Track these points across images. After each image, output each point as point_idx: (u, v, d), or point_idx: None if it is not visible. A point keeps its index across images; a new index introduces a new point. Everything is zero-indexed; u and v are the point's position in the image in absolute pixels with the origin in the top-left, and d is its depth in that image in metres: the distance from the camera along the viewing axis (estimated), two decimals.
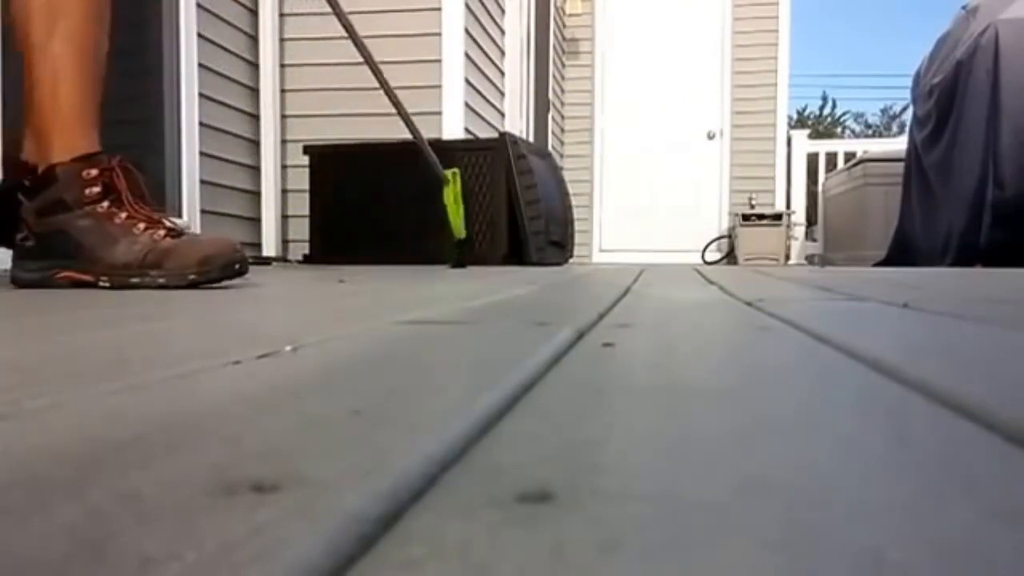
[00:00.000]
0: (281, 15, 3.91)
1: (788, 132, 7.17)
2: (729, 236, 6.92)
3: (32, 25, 1.41)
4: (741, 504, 0.23)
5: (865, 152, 6.62)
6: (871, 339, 0.70)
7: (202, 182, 3.41)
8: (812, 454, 0.29)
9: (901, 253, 5.07)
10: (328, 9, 2.50)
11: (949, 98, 4.63)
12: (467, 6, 3.91)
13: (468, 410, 0.35)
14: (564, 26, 6.94)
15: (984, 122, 4.28)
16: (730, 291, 1.34)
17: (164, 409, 0.36)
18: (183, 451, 0.28)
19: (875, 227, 5.84)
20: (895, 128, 23.00)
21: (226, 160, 3.63)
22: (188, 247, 1.39)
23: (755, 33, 6.84)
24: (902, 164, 5.33)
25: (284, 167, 3.94)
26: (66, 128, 1.42)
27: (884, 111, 26.37)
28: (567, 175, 4.82)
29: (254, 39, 3.83)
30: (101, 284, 1.39)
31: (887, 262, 5.00)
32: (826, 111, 24.92)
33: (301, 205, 3.69)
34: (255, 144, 3.86)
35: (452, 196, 2.84)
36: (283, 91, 3.93)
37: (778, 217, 6.58)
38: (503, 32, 4.77)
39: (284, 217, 3.97)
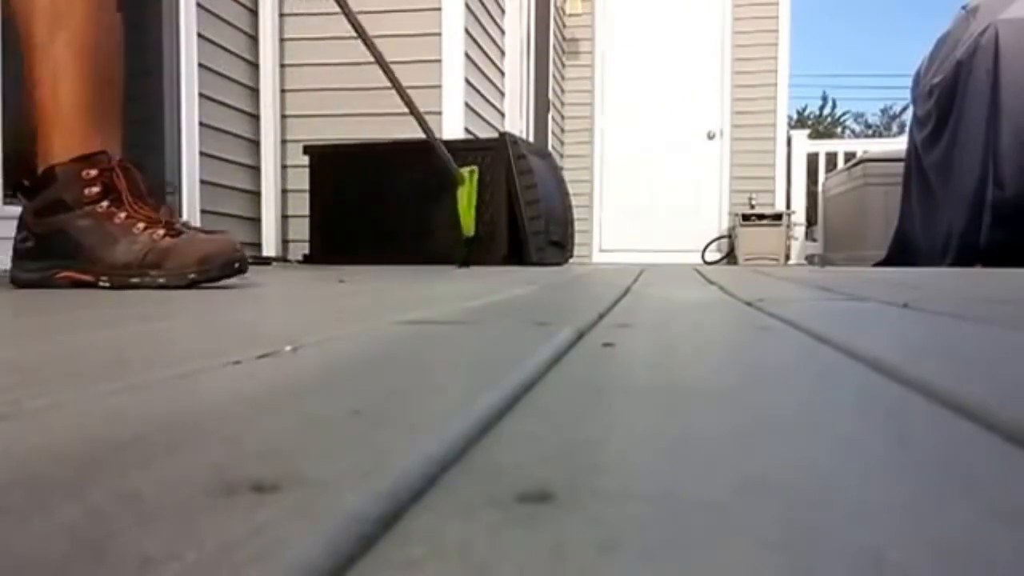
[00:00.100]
0: (281, 15, 3.91)
1: (788, 132, 7.17)
2: (729, 236, 6.92)
3: (35, 26, 1.41)
4: (741, 504, 0.23)
5: (865, 152, 6.62)
6: (871, 339, 0.70)
7: (202, 182, 3.41)
8: (812, 454, 0.29)
9: (901, 253, 5.07)
10: (328, 9, 2.50)
11: (949, 98, 4.63)
12: (467, 6, 3.91)
13: (468, 410, 0.35)
14: (564, 26, 6.94)
15: (984, 122, 4.28)
16: (730, 291, 1.34)
17: (164, 409, 0.36)
18: (183, 451, 0.28)
19: (875, 227, 5.85)
20: (895, 128, 23.01)
21: (226, 160, 3.64)
22: (187, 246, 1.39)
23: (755, 33, 6.84)
24: (902, 164, 5.33)
25: (284, 167, 3.95)
26: (66, 128, 1.43)
27: (884, 111, 26.40)
28: (567, 175, 4.82)
29: (254, 39, 3.83)
30: (101, 284, 1.39)
31: (887, 262, 5.01)
32: (826, 111, 24.94)
33: (301, 205, 3.69)
34: (255, 144, 3.86)
35: (466, 195, 2.85)
36: (283, 91, 3.93)
37: (778, 217, 6.58)
38: (503, 32, 4.77)
39: (284, 217, 3.97)
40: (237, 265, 1.41)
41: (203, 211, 3.40)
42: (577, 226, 4.33)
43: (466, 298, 1.17)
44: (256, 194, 3.88)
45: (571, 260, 4.09)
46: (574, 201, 4.28)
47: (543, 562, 0.19)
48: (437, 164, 2.87)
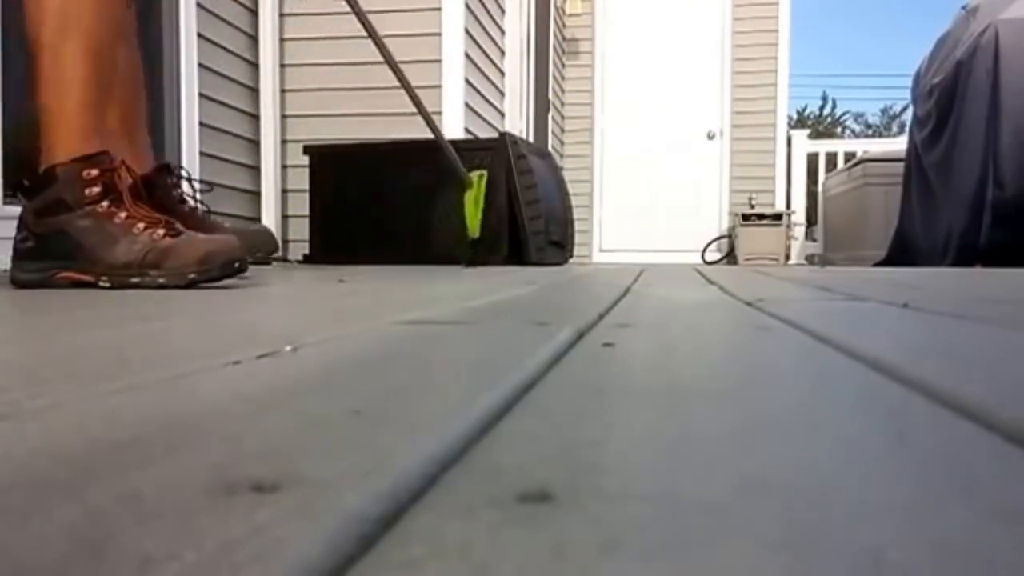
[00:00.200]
0: (281, 15, 3.91)
1: (788, 132, 7.17)
2: (729, 236, 6.92)
3: (45, 27, 1.41)
4: (741, 504, 0.23)
5: (865, 152, 6.62)
6: (871, 339, 0.70)
7: (202, 182, 3.41)
8: (812, 454, 0.29)
9: (901, 253, 5.07)
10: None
11: (949, 98, 4.63)
12: (467, 6, 3.91)
13: (468, 410, 0.35)
14: (564, 26, 6.94)
15: (984, 122, 4.28)
16: (730, 291, 1.34)
17: (164, 409, 0.36)
18: (183, 451, 0.28)
19: (875, 227, 5.84)
20: (895, 128, 23.01)
21: (226, 160, 3.63)
22: (187, 246, 1.39)
23: (755, 33, 6.84)
24: (902, 164, 5.33)
25: (284, 167, 3.94)
26: (70, 129, 1.43)
27: (884, 111, 26.40)
28: (567, 175, 4.82)
29: (254, 39, 3.83)
30: (101, 284, 1.39)
31: (887, 262, 5.00)
32: (826, 111, 24.94)
33: (301, 205, 3.69)
34: (255, 144, 3.86)
35: (473, 198, 2.88)
36: (283, 91, 3.93)
37: (778, 217, 6.57)
38: (503, 32, 4.77)
39: (284, 217, 3.97)
40: (237, 264, 1.41)
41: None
42: (577, 226, 4.33)
43: (466, 298, 1.17)
44: (256, 194, 3.88)
45: (571, 260, 4.09)
46: (574, 201, 4.28)
47: (543, 562, 0.19)
48: (444, 165, 2.88)
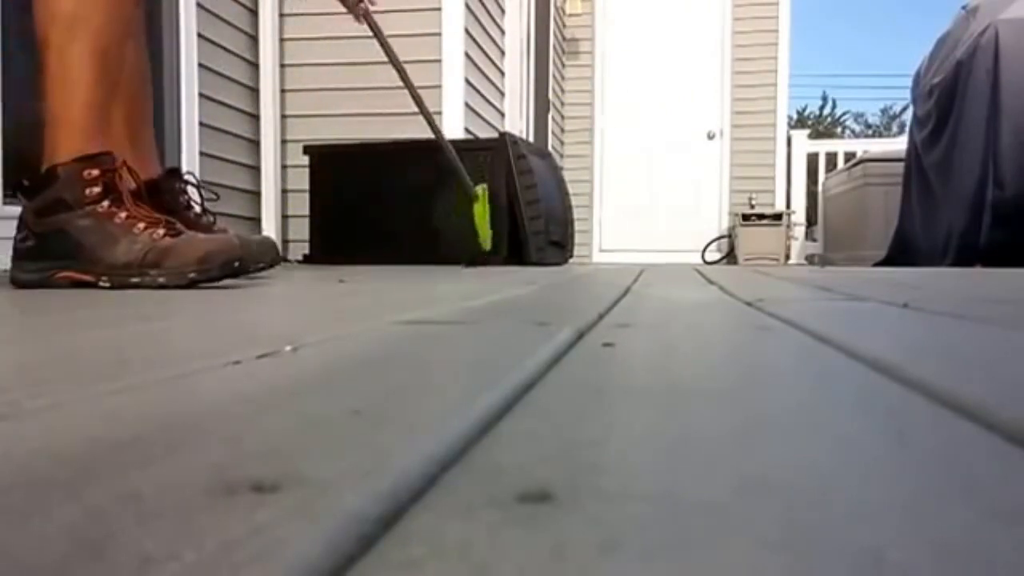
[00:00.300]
0: (281, 15, 3.91)
1: (788, 132, 7.17)
2: (729, 236, 6.92)
3: (54, 28, 1.41)
4: (741, 504, 0.23)
5: (865, 152, 6.61)
6: (871, 339, 0.70)
7: (202, 182, 3.41)
8: (812, 454, 0.29)
9: (901, 253, 5.07)
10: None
11: (949, 98, 4.63)
12: (467, 6, 3.91)
13: (468, 410, 0.35)
14: (564, 26, 6.94)
15: (984, 122, 4.28)
16: (730, 291, 1.34)
17: (164, 409, 0.36)
18: (183, 451, 0.28)
19: (875, 227, 5.84)
20: (895, 128, 23.02)
21: (226, 160, 3.63)
22: (187, 246, 1.39)
23: (755, 33, 6.84)
24: (902, 164, 5.33)
25: (284, 167, 3.94)
26: (74, 128, 1.43)
27: (884, 111, 26.40)
28: (567, 175, 4.82)
29: (254, 39, 3.83)
30: (101, 284, 1.39)
31: (887, 262, 5.00)
32: (826, 111, 24.94)
33: (301, 205, 3.69)
34: (255, 144, 3.86)
35: (480, 211, 2.91)
36: (283, 91, 3.93)
37: (778, 217, 6.57)
38: (503, 32, 4.77)
39: (284, 217, 3.97)
40: (237, 264, 1.41)
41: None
42: (577, 226, 4.33)
43: (466, 298, 1.17)
44: (256, 194, 3.88)
45: (571, 260, 4.09)
46: (574, 201, 4.28)
47: (543, 562, 0.19)
48: (445, 166, 2.91)
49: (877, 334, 0.75)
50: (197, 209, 1.83)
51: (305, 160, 3.56)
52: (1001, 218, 4.14)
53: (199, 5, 3.37)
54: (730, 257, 6.82)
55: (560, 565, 0.18)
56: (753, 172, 6.90)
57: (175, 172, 1.81)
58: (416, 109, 2.78)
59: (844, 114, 25.53)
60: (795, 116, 22.19)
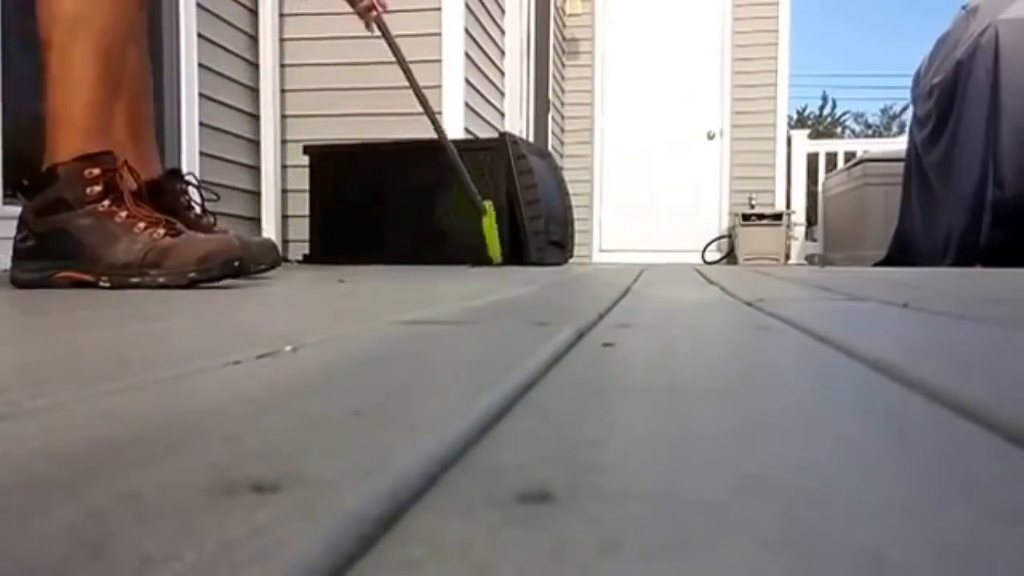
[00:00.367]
0: (281, 15, 3.91)
1: (788, 132, 7.17)
2: (729, 236, 6.92)
3: (56, 29, 1.42)
4: (741, 504, 0.23)
5: (865, 152, 6.61)
6: (871, 339, 0.70)
7: (202, 182, 3.41)
8: (812, 454, 0.29)
9: (901, 253, 5.07)
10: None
11: (949, 98, 4.63)
12: (467, 6, 3.91)
13: (468, 410, 0.35)
14: (564, 26, 6.94)
15: (984, 122, 4.28)
16: (730, 291, 1.34)
17: (164, 409, 0.36)
18: (183, 451, 0.28)
19: (875, 227, 5.84)
20: (895, 128, 23.02)
21: (226, 160, 3.63)
22: (187, 246, 1.39)
23: (755, 33, 6.84)
24: (902, 164, 5.33)
25: (284, 167, 3.94)
26: (75, 129, 1.43)
27: (884, 111, 26.41)
28: (567, 175, 4.82)
29: (254, 39, 3.83)
30: (101, 284, 1.39)
31: (887, 262, 5.00)
32: (826, 111, 24.95)
33: (301, 205, 3.69)
34: (255, 144, 3.86)
35: (489, 224, 2.98)
36: (283, 91, 3.93)
37: (778, 217, 6.57)
38: (503, 32, 4.77)
39: (284, 217, 3.97)
40: (237, 264, 1.41)
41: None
42: (577, 226, 4.33)
43: (466, 298, 1.17)
44: (256, 194, 3.88)
45: (571, 260, 4.09)
46: (574, 201, 4.28)
47: (543, 562, 0.19)
48: (450, 174, 2.96)
49: (877, 334, 0.75)
50: (197, 210, 1.83)
51: (305, 160, 3.56)
52: (1001, 218, 4.14)
53: (199, 5, 3.37)
54: (730, 257, 6.82)
55: (560, 565, 0.18)
56: (753, 172, 6.90)
57: (176, 173, 1.81)
58: (419, 110, 2.79)
59: (844, 114, 25.56)
60: (795, 116, 22.21)
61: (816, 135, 14.55)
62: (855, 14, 51.71)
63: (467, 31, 3.92)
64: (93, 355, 0.56)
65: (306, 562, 0.18)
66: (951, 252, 4.46)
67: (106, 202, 1.41)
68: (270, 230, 3.89)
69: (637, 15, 7.03)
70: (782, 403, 0.40)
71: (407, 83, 2.71)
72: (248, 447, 0.29)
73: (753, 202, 6.84)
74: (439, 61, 3.77)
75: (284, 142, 3.94)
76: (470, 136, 3.88)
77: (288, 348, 0.54)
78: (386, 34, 2.52)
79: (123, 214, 1.42)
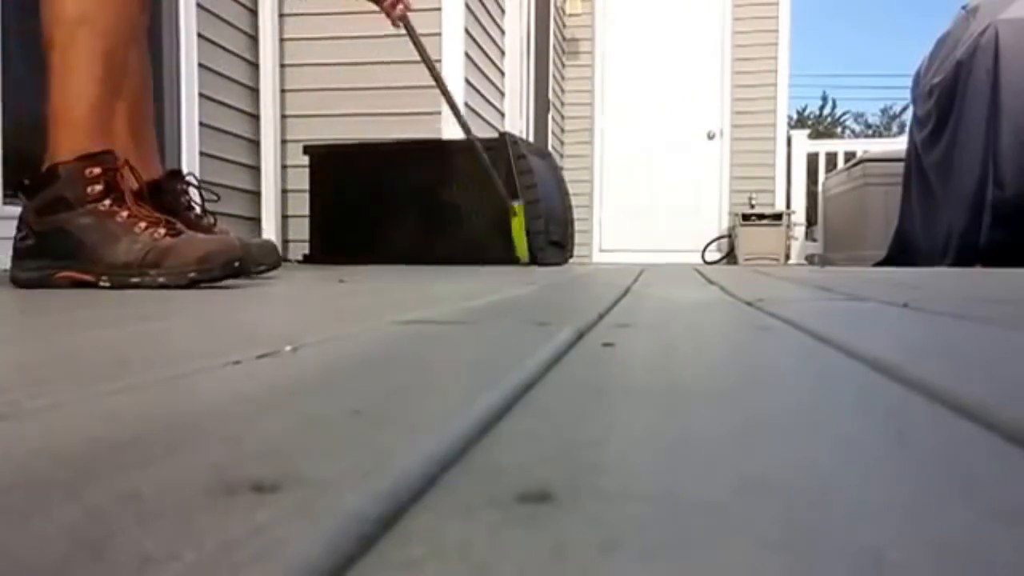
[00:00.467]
0: (281, 15, 3.91)
1: (788, 132, 7.17)
2: (729, 236, 6.92)
3: (59, 29, 1.42)
4: (741, 504, 0.23)
5: (865, 152, 6.61)
6: (871, 339, 0.70)
7: (202, 182, 3.41)
8: (812, 454, 0.29)
9: (901, 253, 5.07)
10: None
11: (949, 98, 4.62)
12: (467, 6, 3.91)
13: (468, 410, 0.35)
14: (564, 26, 6.94)
15: (984, 122, 4.28)
16: (730, 291, 1.34)
17: (164, 409, 0.36)
18: (183, 451, 0.28)
19: (875, 227, 5.84)
20: (895, 128, 23.03)
21: (226, 160, 3.63)
22: (188, 246, 1.39)
23: (755, 33, 6.84)
24: (902, 164, 5.33)
25: (284, 167, 3.94)
26: (76, 128, 1.43)
27: (884, 111, 26.41)
28: (567, 175, 4.82)
29: (254, 39, 3.83)
30: (101, 284, 1.39)
31: (887, 262, 5.00)
32: (826, 111, 24.95)
33: (301, 205, 3.69)
34: (255, 144, 3.86)
35: (518, 224, 3.03)
36: (283, 91, 3.93)
37: (778, 217, 6.57)
38: (503, 32, 4.77)
39: (284, 217, 3.97)
40: (237, 264, 1.41)
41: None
42: (577, 226, 4.33)
43: (466, 298, 1.17)
44: (256, 194, 3.88)
45: (571, 260, 4.09)
46: (574, 201, 4.28)
47: (543, 562, 0.19)
48: (491, 181, 3.00)
49: (877, 334, 0.75)
50: (198, 210, 1.84)
51: (305, 160, 3.56)
52: (1001, 218, 4.14)
53: (199, 5, 3.37)
54: (730, 257, 6.82)
55: (560, 565, 0.18)
56: (753, 172, 6.90)
57: (177, 173, 1.82)
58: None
59: (844, 114, 25.56)
60: (795, 116, 22.21)
61: (816, 135, 14.55)
62: (855, 14, 51.73)
63: (467, 31, 3.92)
64: (93, 355, 0.56)
65: (306, 562, 0.18)
66: (951, 252, 4.46)
67: (107, 201, 1.41)
68: (270, 230, 3.90)
69: (637, 15, 7.03)
70: (782, 403, 0.40)
71: (432, 82, 2.71)
72: (248, 447, 0.29)
73: (753, 202, 6.84)
74: (439, 61, 3.76)
75: (284, 142, 3.94)
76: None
77: (288, 348, 0.54)
78: (411, 32, 2.52)
79: (124, 214, 1.42)
